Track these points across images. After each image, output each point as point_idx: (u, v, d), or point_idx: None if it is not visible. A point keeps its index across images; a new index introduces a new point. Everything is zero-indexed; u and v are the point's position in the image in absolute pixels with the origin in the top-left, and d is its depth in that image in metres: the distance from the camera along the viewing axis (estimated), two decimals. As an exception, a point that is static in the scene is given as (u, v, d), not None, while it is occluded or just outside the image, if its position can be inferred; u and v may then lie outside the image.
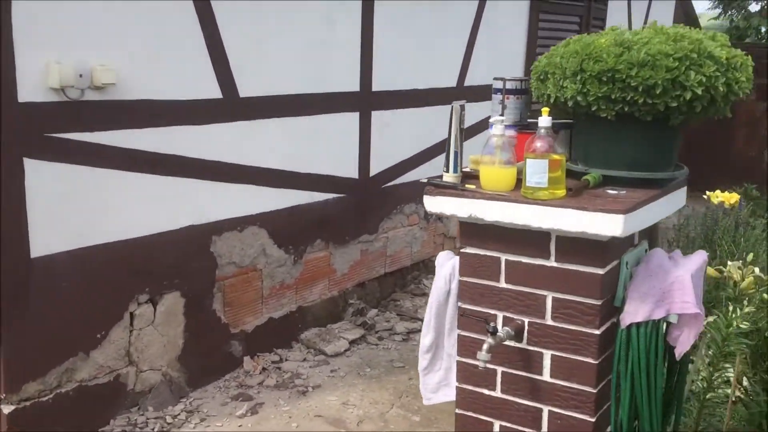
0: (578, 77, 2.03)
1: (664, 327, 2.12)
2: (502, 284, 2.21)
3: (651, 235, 2.40)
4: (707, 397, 3.43)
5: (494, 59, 5.76)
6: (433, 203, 2.23)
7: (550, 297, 2.14)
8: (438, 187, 2.23)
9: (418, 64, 5.05)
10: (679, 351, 2.10)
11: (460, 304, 2.32)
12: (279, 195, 4.16)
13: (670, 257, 2.21)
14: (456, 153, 2.25)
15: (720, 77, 1.95)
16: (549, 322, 2.15)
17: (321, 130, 4.38)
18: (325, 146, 4.44)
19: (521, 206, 2.07)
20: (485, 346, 2.07)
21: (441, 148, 5.40)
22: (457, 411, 2.39)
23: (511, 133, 2.31)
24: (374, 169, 4.86)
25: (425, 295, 5.12)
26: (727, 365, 3.47)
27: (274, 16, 3.95)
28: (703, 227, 4.70)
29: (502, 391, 2.28)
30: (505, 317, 2.22)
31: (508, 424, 2.28)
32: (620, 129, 2.09)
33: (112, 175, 3.32)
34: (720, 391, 3.59)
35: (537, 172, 2.02)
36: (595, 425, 2.14)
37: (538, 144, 2.03)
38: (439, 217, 5.62)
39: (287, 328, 4.41)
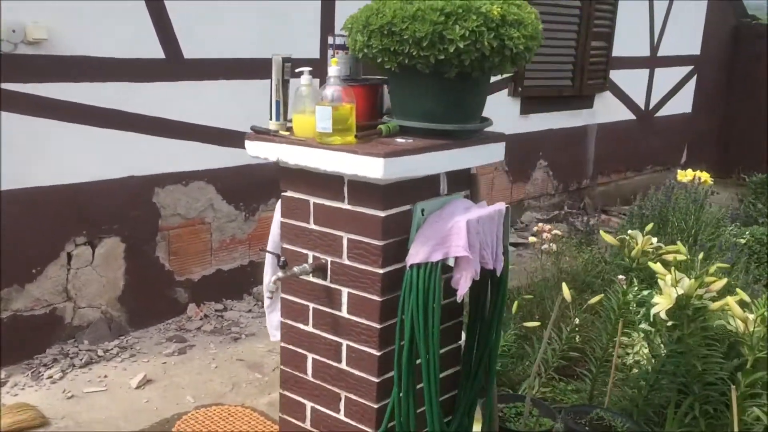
0: (365, 30, 2.17)
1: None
2: (312, 225, 2.37)
3: (471, 187, 2.51)
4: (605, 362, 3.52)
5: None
6: (252, 148, 2.40)
7: (345, 238, 2.29)
8: (257, 132, 2.40)
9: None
10: (460, 293, 2.21)
11: (281, 244, 2.50)
12: (227, 153, 4.39)
13: (467, 207, 2.32)
14: (278, 102, 2.40)
15: (487, 32, 2.05)
16: (346, 261, 2.30)
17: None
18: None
19: (312, 150, 2.22)
20: (273, 278, 2.25)
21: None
22: (282, 344, 2.57)
23: (337, 86, 2.46)
24: (336, 134, 5.03)
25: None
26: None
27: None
28: (656, 204, 4.69)
29: (313, 326, 2.44)
30: (314, 256, 2.39)
31: (318, 357, 2.45)
32: (409, 81, 2.22)
33: (47, 124, 3.62)
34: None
35: (323, 119, 2.17)
36: (380, 359, 2.28)
37: (325, 92, 2.18)
38: (414, 187, 5.74)
39: (238, 281, 4.66)
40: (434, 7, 2.05)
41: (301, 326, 2.47)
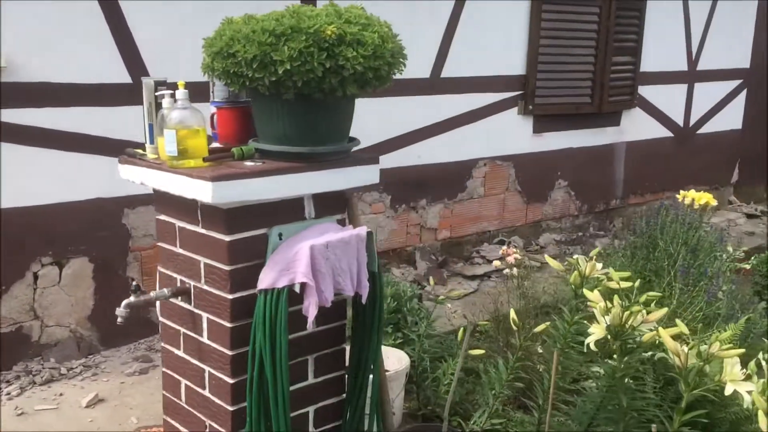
0: (210, 51, 2.14)
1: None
2: (178, 249, 2.35)
3: (348, 211, 2.44)
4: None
5: (482, 52, 5.70)
6: (123, 171, 2.41)
7: (202, 262, 2.26)
8: (129, 156, 2.41)
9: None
10: (309, 320, 2.14)
11: (158, 267, 2.48)
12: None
13: (324, 231, 2.24)
14: (151, 125, 2.40)
15: (318, 53, 1.98)
16: (204, 286, 2.27)
17: (253, 116, 4.59)
18: (260, 131, 4.65)
19: (163, 174, 2.21)
20: (124, 303, 2.24)
21: (411, 138, 5.47)
22: (163, 369, 2.55)
23: (213, 109, 2.45)
24: (322, 155, 5.01)
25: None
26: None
27: (192, 7, 4.22)
28: (647, 227, 4.44)
29: (184, 351, 2.42)
30: (180, 280, 2.37)
31: (189, 383, 2.42)
32: (260, 104, 2.18)
33: (9, 149, 3.74)
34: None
35: (169, 142, 2.16)
36: (234, 387, 2.23)
37: (171, 115, 2.16)
38: (414, 207, 5.66)
39: (218, 302, 4.68)
40: (266, 28, 2.00)
41: (176, 351, 2.45)
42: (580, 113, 6.56)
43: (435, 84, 5.49)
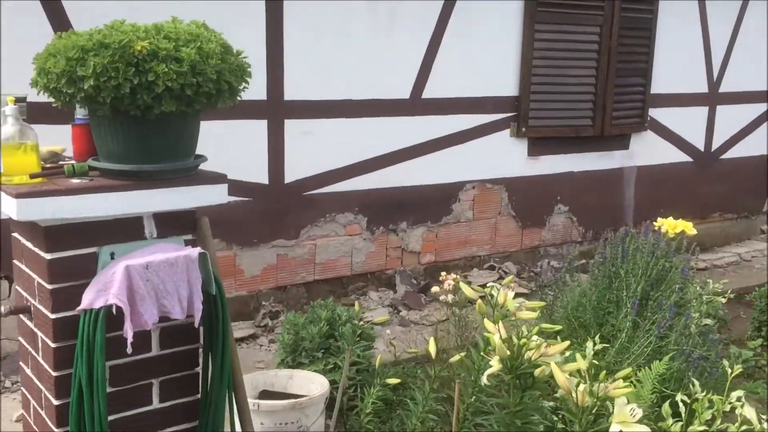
0: (35, 66, 2.13)
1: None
2: (24, 267, 2.33)
3: (199, 233, 2.37)
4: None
5: (468, 71, 5.57)
6: (-23, 189, 2.41)
7: (36, 280, 2.23)
8: (-16, 173, 2.40)
9: (350, 72, 5.07)
10: (128, 342, 2.08)
11: (14, 284, 2.47)
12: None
13: (151, 252, 2.18)
14: (7, 142, 2.39)
15: (125, 68, 1.93)
16: (38, 304, 2.23)
17: (216, 136, 4.58)
18: (224, 151, 4.62)
19: (-8, 190, 2.19)
20: (-46, 319, 2.22)
21: (388, 159, 5.37)
22: (21, 388, 2.53)
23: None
24: (291, 176, 4.97)
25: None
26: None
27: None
28: (611, 256, 4.21)
29: (31, 370, 2.39)
30: (26, 298, 2.34)
31: (35, 403, 2.38)
32: (91, 121, 2.15)
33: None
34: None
35: (-5, 158, 2.14)
36: (59, 409, 2.18)
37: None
38: (393, 230, 5.55)
39: (178, 320, 4.67)
40: (77, 43, 1.97)
41: (26, 370, 2.43)
42: (581, 136, 6.34)
43: (416, 105, 5.39)
